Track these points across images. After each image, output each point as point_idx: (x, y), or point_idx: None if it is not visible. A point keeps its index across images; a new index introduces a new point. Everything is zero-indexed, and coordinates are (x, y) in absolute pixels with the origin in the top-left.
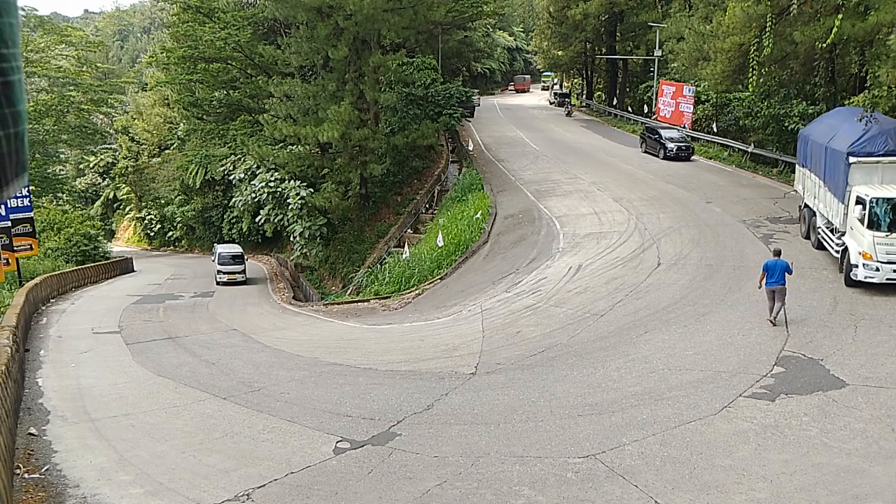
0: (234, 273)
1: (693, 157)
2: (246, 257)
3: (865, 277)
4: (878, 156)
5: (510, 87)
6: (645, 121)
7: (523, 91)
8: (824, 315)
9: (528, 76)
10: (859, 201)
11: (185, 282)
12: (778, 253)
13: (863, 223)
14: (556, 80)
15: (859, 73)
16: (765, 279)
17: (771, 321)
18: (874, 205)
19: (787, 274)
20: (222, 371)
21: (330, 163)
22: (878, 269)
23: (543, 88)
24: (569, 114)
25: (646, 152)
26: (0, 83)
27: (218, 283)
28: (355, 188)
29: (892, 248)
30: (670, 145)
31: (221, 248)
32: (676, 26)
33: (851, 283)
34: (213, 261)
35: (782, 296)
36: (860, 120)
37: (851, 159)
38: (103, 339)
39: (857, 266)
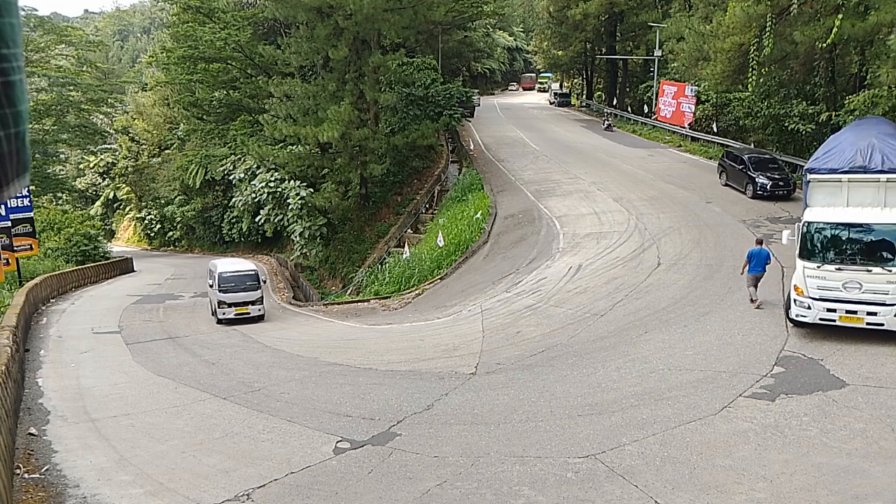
0: (245, 304)
1: (794, 195)
2: (263, 278)
3: (797, 315)
4: (841, 173)
5: (511, 87)
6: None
7: (530, 89)
8: None
9: (534, 75)
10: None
11: (185, 282)
12: (760, 242)
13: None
14: (552, 82)
15: (859, 73)
16: (748, 266)
17: (753, 303)
18: (805, 229)
19: (767, 263)
20: (222, 371)
21: (330, 163)
22: (809, 308)
23: (541, 90)
24: (608, 128)
25: (726, 184)
26: (1, 83)
27: (220, 322)
28: (355, 188)
29: (825, 283)
30: (762, 180)
31: (222, 266)
32: (676, 26)
33: (795, 322)
34: (212, 286)
35: (759, 281)
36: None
37: (809, 176)
38: (103, 339)
39: (793, 301)
